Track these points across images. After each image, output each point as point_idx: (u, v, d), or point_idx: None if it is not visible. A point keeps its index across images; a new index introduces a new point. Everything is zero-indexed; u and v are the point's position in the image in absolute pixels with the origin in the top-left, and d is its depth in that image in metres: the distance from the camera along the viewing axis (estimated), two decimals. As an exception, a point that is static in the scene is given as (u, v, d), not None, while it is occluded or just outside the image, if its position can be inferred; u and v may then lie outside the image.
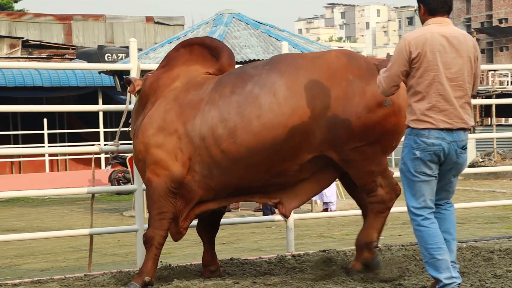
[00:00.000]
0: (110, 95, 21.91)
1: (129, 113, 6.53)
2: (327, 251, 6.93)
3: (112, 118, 24.61)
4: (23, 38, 32.31)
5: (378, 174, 5.49)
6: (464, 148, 4.89)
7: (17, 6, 48.47)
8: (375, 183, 5.50)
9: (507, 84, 32.68)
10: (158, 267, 5.87)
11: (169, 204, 5.59)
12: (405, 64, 4.82)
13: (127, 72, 6.54)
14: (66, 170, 23.18)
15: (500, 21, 57.90)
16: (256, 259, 6.78)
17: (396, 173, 5.47)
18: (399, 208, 6.37)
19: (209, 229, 6.12)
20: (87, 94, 22.13)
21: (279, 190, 5.64)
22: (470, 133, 4.99)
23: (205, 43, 5.98)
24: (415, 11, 5.11)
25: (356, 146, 5.38)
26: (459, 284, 4.84)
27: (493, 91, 26.96)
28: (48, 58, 28.16)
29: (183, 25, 36.48)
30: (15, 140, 23.14)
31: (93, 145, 7.52)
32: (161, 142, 5.58)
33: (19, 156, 21.70)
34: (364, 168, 5.45)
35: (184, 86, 5.75)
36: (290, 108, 5.37)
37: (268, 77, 5.49)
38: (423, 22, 4.97)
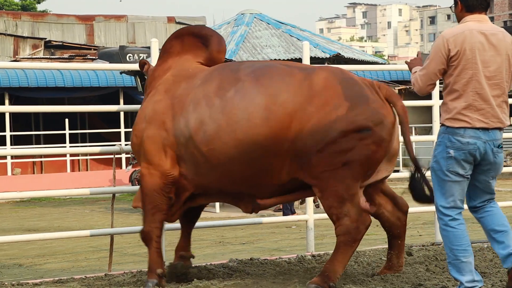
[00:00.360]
0: (131, 95, 21.98)
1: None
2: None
3: (133, 118, 24.65)
4: (45, 38, 32.54)
5: (346, 200, 5.20)
6: (500, 147, 4.80)
7: (40, 7, 48.84)
8: (341, 209, 5.20)
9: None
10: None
11: (162, 198, 5.56)
12: (443, 62, 4.73)
13: (148, 72, 6.53)
14: (87, 170, 23.28)
15: (523, 20, 57.40)
16: (276, 259, 6.77)
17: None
18: (419, 208, 6.34)
19: (188, 220, 6.08)
20: (108, 94, 22.21)
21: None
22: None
23: (194, 32, 5.92)
24: (450, 7, 4.99)
25: (327, 169, 5.18)
26: (480, 287, 4.79)
27: (516, 91, 26.77)
28: (70, 59, 28.33)
29: (204, 25, 36.55)
30: (37, 140, 23.30)
31: (114, 145, 7.53)
32: (151, 135, 5.54)
33: (40, 156, 21.81)
34: (331, 191, 5.20)
35: (176, 78, 5.69)
36: (267, 128, 5.21)
37: (250, 88, 5.32)
38: (459, 19, 4.85)
